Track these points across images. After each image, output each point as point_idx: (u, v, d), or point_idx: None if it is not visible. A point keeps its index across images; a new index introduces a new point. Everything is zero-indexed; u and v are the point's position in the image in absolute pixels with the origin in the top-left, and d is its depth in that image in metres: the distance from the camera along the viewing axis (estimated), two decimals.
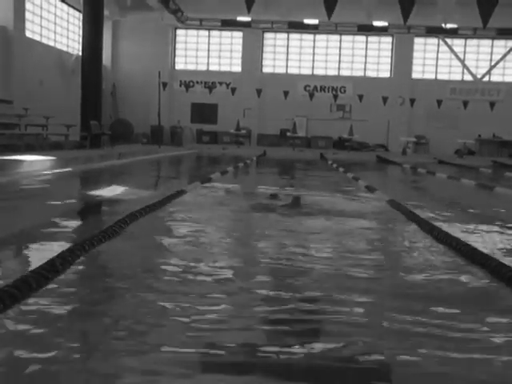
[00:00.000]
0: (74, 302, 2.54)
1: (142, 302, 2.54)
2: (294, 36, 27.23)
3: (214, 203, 6.22)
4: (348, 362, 1.97)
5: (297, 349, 2.04)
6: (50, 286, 2.64)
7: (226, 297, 2.65)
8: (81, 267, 3.12)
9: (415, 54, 26.86)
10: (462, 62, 26.80)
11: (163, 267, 3.28)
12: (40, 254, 3.49)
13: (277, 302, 2.59)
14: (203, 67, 27.56)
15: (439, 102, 24.19)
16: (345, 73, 27.16)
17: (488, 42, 26.55)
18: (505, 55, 26.59)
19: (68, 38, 22.75)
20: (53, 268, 2.82)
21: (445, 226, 4.75)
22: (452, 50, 26.79)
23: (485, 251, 3.66)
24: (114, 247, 3.65)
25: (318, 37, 27.09)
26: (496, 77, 26.78)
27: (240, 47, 27.27)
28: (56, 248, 3.45)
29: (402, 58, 26.57)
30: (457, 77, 26.92)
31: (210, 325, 2.27)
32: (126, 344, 2.06)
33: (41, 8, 20.14)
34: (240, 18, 25.10)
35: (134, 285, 2.84)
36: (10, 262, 3.43)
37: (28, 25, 19.01)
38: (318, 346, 2.10)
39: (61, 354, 1.94)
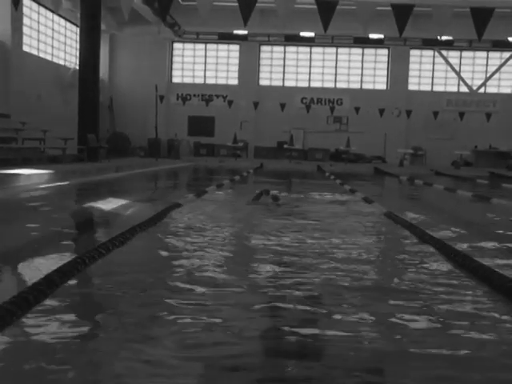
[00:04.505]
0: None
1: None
2: (291, 49, 27.36)
3: (208, 216, 6.22)
4: None
5: None
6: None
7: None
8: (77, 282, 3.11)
9: (411, 66, 26.99)
10: (458, 73, 26.95)
11: (158, 282, 3.27)
12: (37, 268, 3.47)
13: None
14: (200, 80, 27.64)
15: (435, 114, 24.25)
16: (341, 85, 27.25)
17: (483, 53, 26.71)
18: (500, 67, 26.75)
19: (65, 52, 22.83)
20: (51, 283, 2.81)
21: (443, 237, 4.76)
22: (448, 62, 26.94)
23: (481, 261, 3.67)
24: (109, 263, 3.63)
25: (315, 49, 27.22)
26: (491, 88, 26.92)
27: (237, 60, 27.37)
28: (54, 262, 3.44)
29: (398, 70, 26.68)
30: (453, 88, 27.05)
31: None
32: None
33: (38, 23, 20.22)
34: (236, 32, 25.23)
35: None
36: (6, 277, 3.42)
37: (25, 39, 19.07)
38: None
39: None
